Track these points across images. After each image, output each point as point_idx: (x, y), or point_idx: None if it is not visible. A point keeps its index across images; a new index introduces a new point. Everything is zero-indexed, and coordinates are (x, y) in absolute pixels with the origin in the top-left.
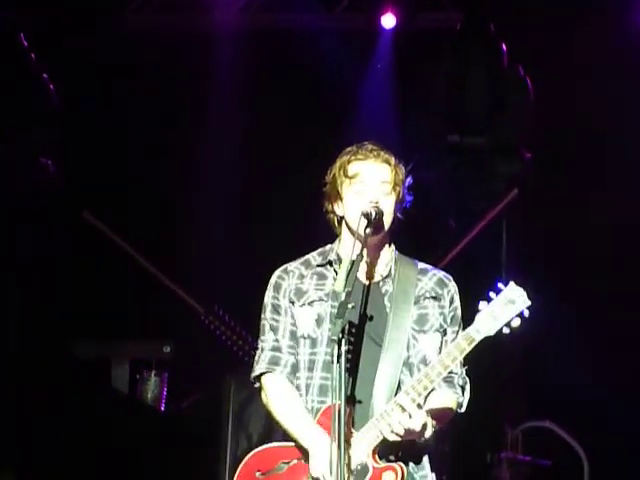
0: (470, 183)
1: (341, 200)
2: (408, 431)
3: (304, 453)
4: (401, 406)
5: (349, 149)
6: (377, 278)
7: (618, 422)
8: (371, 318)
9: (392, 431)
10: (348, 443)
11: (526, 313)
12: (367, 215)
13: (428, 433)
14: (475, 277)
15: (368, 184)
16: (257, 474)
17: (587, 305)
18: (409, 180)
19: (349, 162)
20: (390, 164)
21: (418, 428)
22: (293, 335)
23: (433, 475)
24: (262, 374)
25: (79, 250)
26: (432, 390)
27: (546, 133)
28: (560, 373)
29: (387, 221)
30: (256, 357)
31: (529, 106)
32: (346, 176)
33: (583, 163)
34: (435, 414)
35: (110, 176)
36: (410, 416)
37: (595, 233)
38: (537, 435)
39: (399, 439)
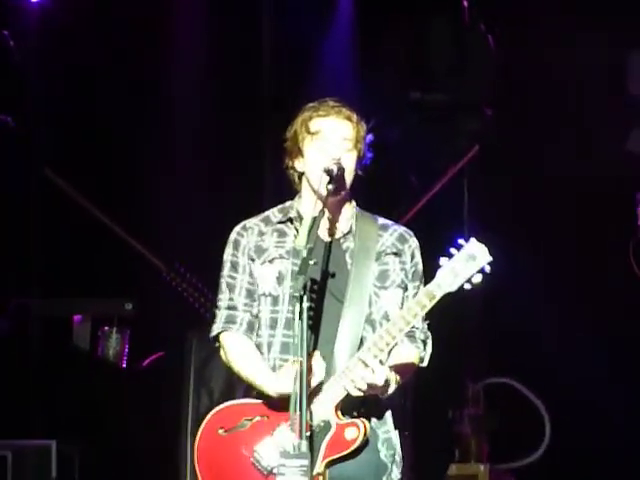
0: (431, 140)
1: (302, 156)
2: (371, 386)
3: (267, 410)
4: (363, 362)
5: (310, 105)
6: (338, 235)
7: (581, 377)
8: (332, 275)
9: (355, 386)
10: (310, 400)
11: (487, 269)
12: (329, 172)
13: (391, 389)
14: (437, 234)
15: (330, 141)
16: (220, 431)
17: (548, 260)
18: (370, 137)
19: (311, 118)
20: (352, 121)
21: (380, 383)
22: (249, 293)
23: (396, 432)
24: (219, 333)
25: (40, 208)
26: (394, 346)
27: (507, 89)
28: (522, 328)
29: (348, 178)
30: (215, 317)
31: (490, 63)
32: (308, 132)
33: (542, 118)
34: (398, 369)
35: (73, 134)
36: (373, 371)
37: (554, 187)
38: (498, 391)
39: (362, 394)
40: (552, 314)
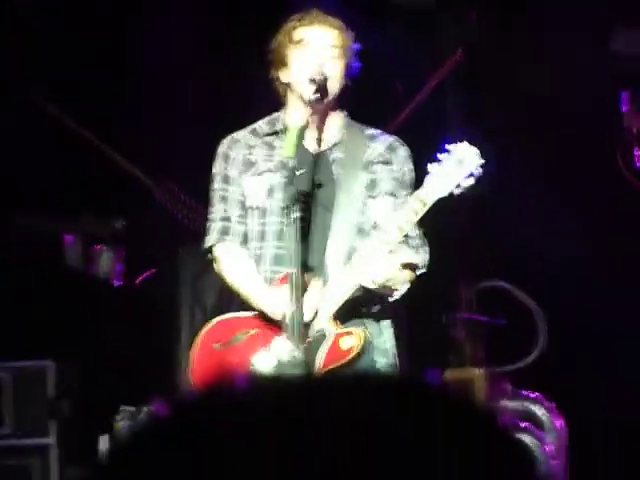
0: (415, 46)
1: (286, 66)
2: (378, 278)
3: (262, 322)
4: (371, 254)
5: (294, 16)
6: (326, 146)
7: (575, 280)
8: (320, 185)
9: (363, 281)
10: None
11: (477, 173)
12: (314, 81)
13: (403, 287)
14: (424, 144)
15: (314, 48)
16: (215, 346)
17: (538, 165)
18: (357, 45)
19: (294, 28)
20: (337, 28)
21: (388, 275)
22: (242, 205)
23: (393, 342)
24: (213, 245)
25: (30, 131)
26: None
27: None
28: (514, 231)
29: (334, 87)
30: (206, 229)
31: None
32: (291, 42)
33: (532, 25)
34: (404, 267)
35: (61, 54)
36: (379, 263)
37: (540, 93)
38: (492, 295)
39: (372, 287)
40: (544, 218)
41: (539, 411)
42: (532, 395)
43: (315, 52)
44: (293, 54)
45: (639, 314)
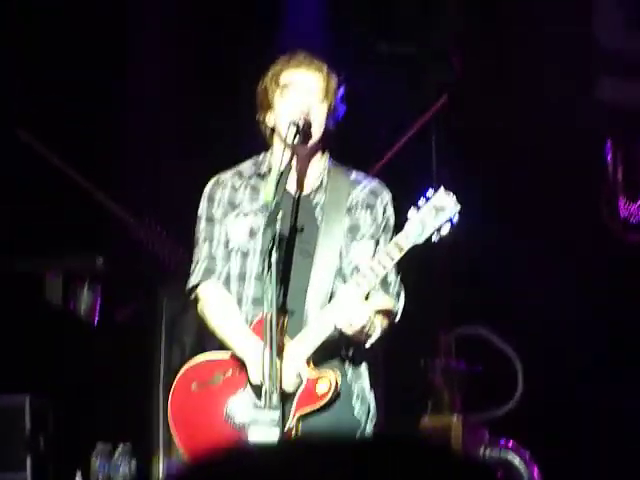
0: (399, 91)
1: (272, 110)
2: (353, 323)
3: (240, 364)
4: (347, 298)
5: (281, 58)
6: (308, 190)
7: (554, 327)
8: (302, 229)
9: (338, 325)
10: (282, 353)
11: (455, 219)
12: (295, 124)
13: (377, 333)
14: (406, 187)
15: (299, 92)
16: (193, 386)
17: (520, 211)
18: (342, 90)
19: (281, 71)
20: (322, 72)
21: (363, 320)
22: (227, 246)
23: (370, 388)
24: (197, 284)
25: (10, 166)
26: (367, 298)
27: (475, 38)
28: (492, 279)
29: (317, 131)
30: (191, 268)
31: (458, 11)
32: (277, 85)
33: (514, 68)
34: (380, 313)
35: (41, 90)
36: (355, 307)
37: (525, 139)
38: (470, 341)
39: (347, 332)
40: (523, 266)
41: (515, 460)
42: (509, 444)
43: (300, 96)
44: (278, 98)
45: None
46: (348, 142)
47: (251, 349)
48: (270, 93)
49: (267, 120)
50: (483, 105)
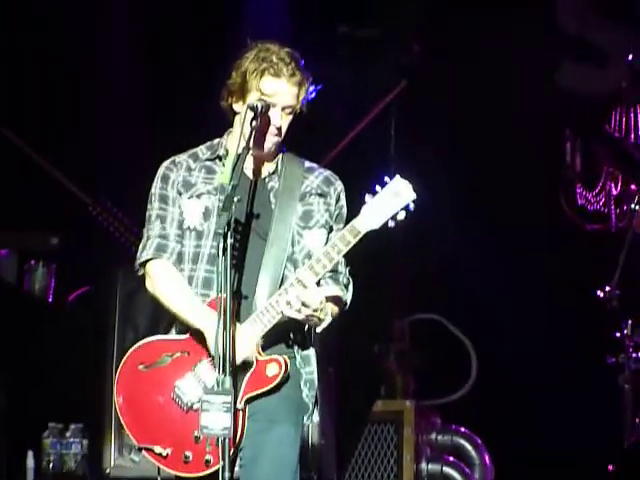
0: (359, 75)
1: (243, 102)
2: (306, 305)
3: (188, 346)
4: (300, 281)
5: (262, 54)
6: (263, 174)
7: (507, 313)
8: (257, 214)
9: (292, 308)
10: (233, 337)
11: (412, 206)
12: (253, 108)
13: (327, 319)
14: (363, 172)
15: (276, 105)
16: (140, 367)
17: (475, 197)
18: (312, 94)
19: (262, 74)
20: (302, 87)
21: (315, 304)
22: (180, 225)
23: (317, 373)
24: (147, 261)
25: None
26: (318, 284)
27: (436, 24)
28: (447, 265)
29: (281, 135)
30: (141, 245)
31: None
32: (257, 89)
33: (477, 53)
34: (330, 300)
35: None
36: (308, 290)
37: (482, 123)
38: (425, 327)
39: (298, 317)
40: (476, 250)
41: (467, 446)
42: (461, 430)
43: (275, 109)
44: (254, 98)
45: (566, 356)
46: (307, 125)
47: (209, 319)
48: (247, 89)
49: (235, 107)
50: (443, 90)
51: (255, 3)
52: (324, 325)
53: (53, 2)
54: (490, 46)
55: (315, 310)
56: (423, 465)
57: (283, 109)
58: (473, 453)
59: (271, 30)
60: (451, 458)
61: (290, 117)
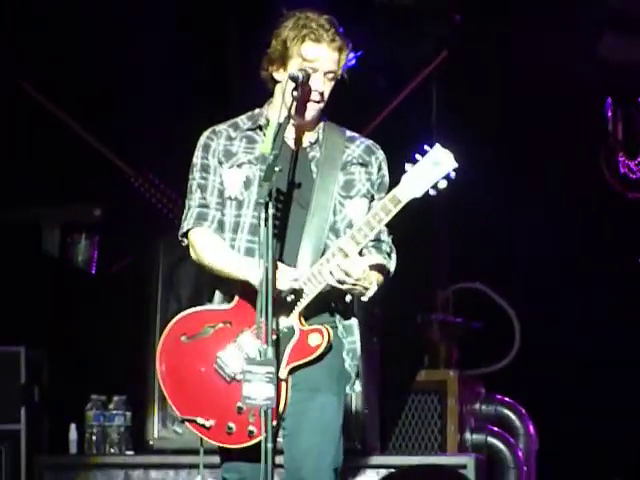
0: (399, 45)
1: (285, 70)
2: (348, 275)
3: (230, 316)
4: (342, 250)
5: (302, 21)
6: (305, 144)
7: (550, 283)
8: (298, 184)
9: (335, 278)
10: (274, 306)
11: (452, 175)
12: (294, 78)
13: (373, 287)
14: (405, 140)
15: (318, 71)
16: (182, 338)
17: (519, 167)
18: (352, 61)
19: (303, 40)
20: (342, 52)
21: (358, 273)
22: (221, 194)
23: (359, 342)
24: (189, 230)
25: (7, 115)
26: (361, 253)
27: None
28: (491, 234)
29: (323, 101)
30: (183, 216)
31: None
32: (299, 55)
33: (515, 24)
34: (374, 268)
35: (46, 43)
36: (349, 259)
37: (523, 93)
38: (468, 297)
39: (341, 286)
40: (521, 220)
41: (512, 416)
42: (505, 399)
43: (317, 74)
44: (295, 64)
45: (610, 325)
46: (348, 96)
47: (253, 267)
48: (288, 56)
49: (276, 76)
50: (483, 62)
51: None
52: (369, 294)
53: None
54: (530, 16)
55: (358, 279)
56: (467, 435)
57: (325, 74)
58: (517, 423)
59: (308, 1)
60: (495, 428)
61: (332, 83)
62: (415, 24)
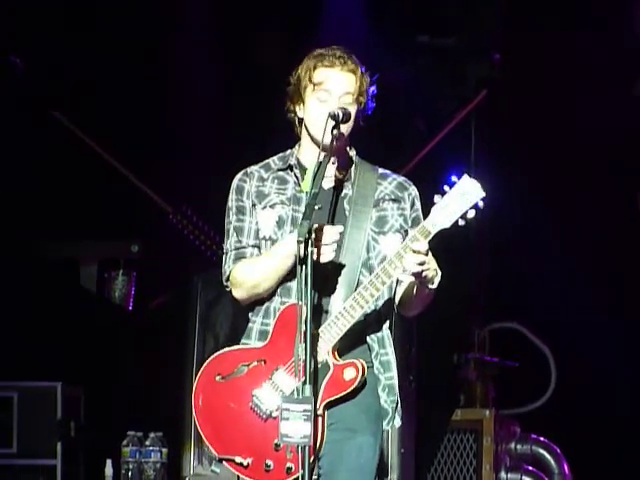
0: (439, 84)
1: (303, 103)
2: (416, 252)
3: (264, 354)
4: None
5: (317, 53)
6: (337, 182)
7: (587, 324)
8: (332, 221)
9: (409, 272)
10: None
11: (480, 204)
12: (334, 117)
13: (438, 273)
14: (443, 180)
15: (332, 93)
16: (217, 378)
17: (556, 205)
18: (373, 90)
19: (315, 68)
20: (356, 74)
21: (425, 247)
22: (257, 235)
23: (397, 379)
24: (230, 272)
25: (47, 151)
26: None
27: (515, 34)
28: (529, 274)
29: (348, 128)
30: (223, 261)
31: (499, 6)
32: (310, 81)
33: (551, 66)
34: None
35: (80, 75)
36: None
37: (561, 134)
38: (504, 336)
39: (419, 269)
40: (554, 255)
41: (547, 455)
42: (540, 439)
43: (332, 97)
44: (310, 94)
45: None
46: (386, 133)
47: (284, 239)
48: (302, 87)
49: (297, 112)
50: (521, 102)
51: (334, 12)
52: (437, 281)
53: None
54: (568, 56)
55: (422, 262)
56: (502, 474)
57: (341, 97)
58: (552, 463)
59: (350, 39)
60: (530, 467)
61: (354, 109)
62: (456, 64)
